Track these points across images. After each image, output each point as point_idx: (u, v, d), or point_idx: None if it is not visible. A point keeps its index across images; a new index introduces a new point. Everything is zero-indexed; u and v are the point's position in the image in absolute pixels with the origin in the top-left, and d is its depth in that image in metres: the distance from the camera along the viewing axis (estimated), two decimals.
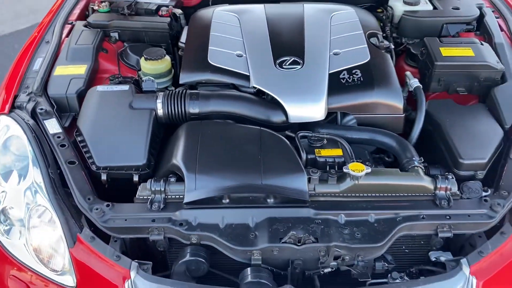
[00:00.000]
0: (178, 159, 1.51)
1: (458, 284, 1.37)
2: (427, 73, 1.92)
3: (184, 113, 1.72)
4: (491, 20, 2.13)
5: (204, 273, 1.46)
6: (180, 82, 1.82)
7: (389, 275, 1.45)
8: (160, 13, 2.21)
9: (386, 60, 1.87)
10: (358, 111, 1.76)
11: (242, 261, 1.42)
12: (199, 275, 1.46)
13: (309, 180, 1.48)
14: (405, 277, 1.45)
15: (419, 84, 1.83)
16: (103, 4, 2.26)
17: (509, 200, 1.49)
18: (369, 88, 1.74)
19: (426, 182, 1.50)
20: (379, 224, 1.44)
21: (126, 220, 1.45)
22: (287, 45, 1.91)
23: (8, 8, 4.96)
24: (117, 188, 1.60)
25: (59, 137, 1.64)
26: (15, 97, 1.77)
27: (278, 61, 1.83)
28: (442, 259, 1.49)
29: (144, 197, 1.50)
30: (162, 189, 1.47)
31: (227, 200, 1.48)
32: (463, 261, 1.40)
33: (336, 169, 1.53)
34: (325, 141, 1.63)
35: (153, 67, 1.90)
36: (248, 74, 1.80)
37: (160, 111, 1.71)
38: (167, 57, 1.94)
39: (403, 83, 1.89)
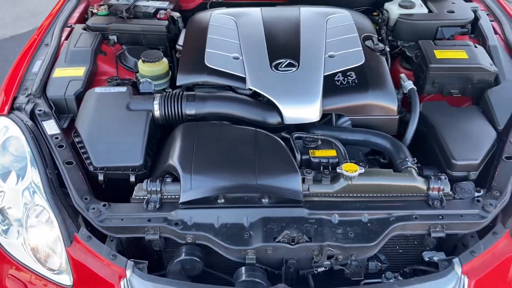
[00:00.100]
0: (174, 160, 1.53)
1: (450, 283, 1.38)
2: (422, 75, 1.94)
3: (180, 115, 1.74)
4: (486, 23, 2.15)
5: (199, 272, 1.48)
6: (177, 84, 1.85)
7: (383, 275, 1.47)
8: (158, 16, 2.23)
9: (380, 63, 1.90)
10: (352, 113, 1.78)
11: (236, 261, 1.44)
12: (194, 274, 1.48)
13: (303, 181, 1.49)
14: (399, 277, 1.46)
15: (413, 86, 1.85)
16: (102, 7, 2.29)
17: (501, 200, 1.50)
18: (363, 90, 1.76)
19: (419, 183, 1.52)
20: (372, 224, 1.46)
21: (122, 219, 1.47)
22: (283, 47, 1.93)
23: (9, 11, 5.00)
24: (114, 188, 1.61)
25: (57, 138, 1.66)
26: (14, 98, 1.79)
27: (274, 63, 1.86)
28: (436, 259, 1.50)
29: (140, 197, 1.51)
30: (158, 189, 1.49)
31: (222, 200, 1.50)
32: (455, 260, 1.41)
33: (330, 169, 1.55)
34: (319, 142, 1.65)
35: (151, 69, 1.92)
36: (244, 76, 1.82)
37: (157, 113, 1.73)
38: (165, 60, 1.97)
39: (398, 85, 1.91)
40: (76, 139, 1.67)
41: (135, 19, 2.23)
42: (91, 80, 1.96)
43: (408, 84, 1.85)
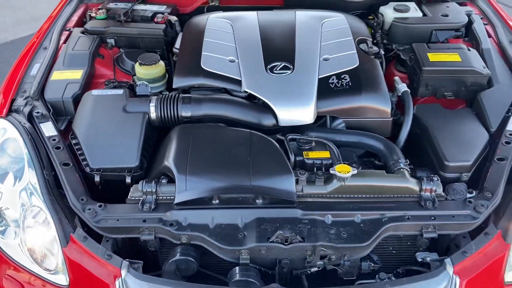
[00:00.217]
0: (169, 161, 1.55)
1: (441, 283, 1.40)
2: (415, 78, 1.96)
3: (176, 117, 1.76)
4: (479, 26, 2.17)
5: (194, 273, 1.49)
6: (174, 86, 1.87)
7: (376, 275, 1.48)
8: (155, 20, 2.26)
9: (374, 66, 1.92)
10: (346, 115, 1.80)
11: (231, 261, 1.45)
12: (189, 274, 1.49)
13: (297, 182, 1.51)
14: (392, 278, 1.48)
15: (407, 89, 1.87)
16: (100, 11, 2.31)
17: (492, 201, 1.51)
18: (357, 93, 1.78)
19: (412, 184, 1.53)
20: (365, 224, 1.47)
21: (118, 220, 1.48)
22: (278, 50, 1.95)
23: (10, 15, 5.04)
24: (110, 189, 1.63)
25: (54, 139, 1.68)
26: (13, 101, 1.81)
27: (269, 66, 1.88)
28: (428, 259, 1.52)
29: (136, 198, 1.53)
30: (154, 190, 1.51)
31: (217, 201, 1.52)
32: (447, 260, 1.43)
33: (324, 170, 1.56)
34: (313, 144, 1.67)
35: (147, 72, 1.94)
36: (239, 78, 1.84)
37: (153, 115, 1.75)
38: (161, 63, 1.99)
39: (393, 88, 1.93)
40: (73, 141, 1.69)
41: (132, 23, 2.26)
42: (89, 82, 1.98)
43: (402, 87, 1.87)
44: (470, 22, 2.22)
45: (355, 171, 1.49)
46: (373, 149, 1.72)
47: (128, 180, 1.60)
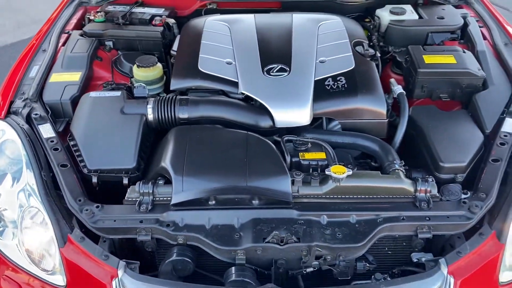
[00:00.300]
0: (166, 162, 1.56)
1: (436, 283, 1.41)
2: (411, 80, 1.98)
3: (173, 118, 1.78)
4: (475, 29, 2.19)
5: (190, 273, 1.50)
6: (171, 88, 1.88)
7: (372, 276, 1.49)
8: (153, 22, 2.28)
9: (370, 68, 1.93)
10: (342, 117, 1.81)
11: (227, 261, 1.46)
12: (185, 275, 1.50)
13: (292, 182, 1.52)
14: (388, 278, 1.49)
15: (402, 91, 1.88)
16: (99, 14, 2.33)
17: (486, 202, 1.52)
18: (353, 95, 1.79)
19: (406, 185, 1.54)
20: (360, 225, 1.48)
21: (115, 221, 1.50)
22: (275, 53, 1.97)
23: (11, 18, 5.06)
24: (108, 190, 1.64)
25: (52, 141, 1.69)
26: (11, 102, 1.83)
27: (265, 68, 1.89)
28: (424, 260, 1.53)
29: (133, 199, 1.54)
30: (150, 191, 1.52)
31: (213, 202, 1.53)
32: (442, 261, 1.44)
33: (319, 171, 1.58)
34: (309, 145, 1.68)
35: (145, 74, 1.96)
36: (236, 80, 1.86)
37: (150, 116, 1.76)
38: (159, 65, 2.01)
39: (389, 90, 1.94)
40: (71, 142, 1.70)
41: (131, 26, 2.27)
42: (87, 85, 1.99)
43: (397, 89, 1.89)
44: (465, 25, 2.24)
45: (350, 172, 1.50)
46: (369, 150, 1.74)
47: (125, 181, 1.61)
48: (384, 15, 2.27)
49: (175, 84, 1.88)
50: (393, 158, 1.64)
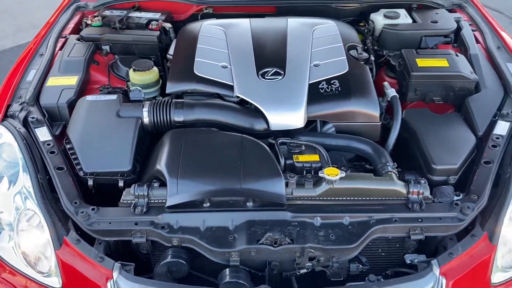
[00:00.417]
0: (161, 165, 1.57)
1: (428, 284, 1.42)
2: (404, 83, 2.00)
3: (169, 121, 1.79)
4: (468, 33, 2.21)
5: (185, 275, 1.51)
6: (167, 91, 1.90)
7: (366, 278, 1.50)
8: (150, 27, 2.29)
9: (364, 71, 1.95)
10: (336, 120, 1.83)
11: (221, 263, 1.47)
12: (180, 277, 1.51)
13: (286, 184, 1.54)
14: (382, 279, 1.50)
15: (396, 94, 1.90)
16: (96, 18, 2.35)
17: (478, 203, 1.54)
18: (346, 98, 1.81)
19: (399, 187, 1.56)
20: (353, 226, 1.50)
21: (110, 223, 1.51)
22: (269, 57, 1.98)
23: (10, 23, 5.09)
24: (103, 193, 1.66)
25: (49, 144, 1.71)
26: (8, 106, 1.84)
27: (260, 72, 1.91)
28: (416, 261, 1.54)
29: (128, 202, 1.56)
30: (145, 193, 1.53)
31: (208, 204, 1.54)
32: (434, 262, 1.46)
33: (313, 173, 1.59)
34: (303, 148, 1.69)
35: (141, 77, 1.98)
36: (232, 84, 1.87)
37: (146, 119, 1.78)
38: (155, 69, 2.02)
39: (383, 93, 1.96)
40: (68, 146, 1.72)
41: (127, 30, 2.29)
42: (84, 88, 2.01)
43: (391, 92, 1.91)
44: (459, 29, 2.26)
45: (343, 174, 1.52)
46: (362, 152, 1.75)
47: (121, 184, 1.63)
48: (378, 19, 2.29)
49: (170, 88, 1.90)
50: (386, 160, 1.66)
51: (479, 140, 1.76)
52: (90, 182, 1.63)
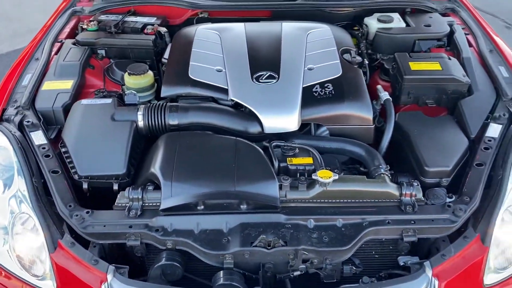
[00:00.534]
0: (155, 168, 1.58)
1: (420, 286, 1.44)
2: (397, 86, 2.01)
3: (164, 125, 1.80)
4: (460, 36, 2.23)
5: (179, 277, 1.52)
6: (162, 95, 1.91)
7: (360, 280, 1.51)
8: (145, 31, 2.31)
9: (357, 75, 1.96)
10: (330, 123, 1.84)
11: (215, 265, 1.48)
12: (174, 279, 1.52)
13: (280, 187, 1.55)
14: (375, 281, 1.51)
15: (389, 97, 1.91)
16: (92, 23, 2.36)
17: (470, 205, 1.55)
18: (340, 101, 1.83)
19: (392, 189, 1.57)
20: (346, 228, 1.51)
21: (104, 226, 1.52)
22: (264, 60, 2.00)
23: (6, 27, 5.10)
24: (98, 196, 1.66)
25: (44, 148, 1.71)
26: (4, 110, 1.85)
27: (255, 76, 1.92)
28: (410, 263, 1.55)
29: (123, 205, 1.56)
30: (140, 196, 1.54)
31: (202, 207, 1.55)
32: (426, 263, 1.47)
33: (306, 176, 1.60)
34: (297, 150, 1.71)
35: (136, 81, 1.99)
36: (226, 87, 1.89)
37: (140, 123, 1.79)
38: (150, 72, 2.04)
39: (377, 96, 1.98)
40: (63, 149, 1.72)
41: (123, 34, 2.31)
42: (79, 92, 2.02)
43: (384, 95, 1.92)
44: (452, 32, 2.28)
45: (336, 177, 1.53)
46: (355, 155, 1.76)
47: (115, 187, 1.63)
48: (372, 23, 2.31)
49: (165, 91, 1.91)
50: (379, 163, 1.67)
51: (472, 143, 1.77)
52: (85, 186, 1.64)
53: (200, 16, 2.52)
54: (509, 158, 1.63)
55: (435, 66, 1.99)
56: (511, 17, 5.09)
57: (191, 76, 1.92)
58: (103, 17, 2.43)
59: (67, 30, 2.42)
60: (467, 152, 1.74)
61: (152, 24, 2.35)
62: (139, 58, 2.23)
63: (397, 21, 2.31)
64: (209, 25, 2.28)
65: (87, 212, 1.54)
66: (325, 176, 1.53)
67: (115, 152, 1.68)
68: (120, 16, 2.41)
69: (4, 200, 1.61)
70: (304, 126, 1.86)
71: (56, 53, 2.22)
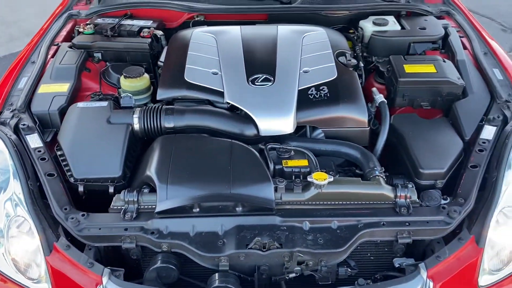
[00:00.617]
0: (151, 171, 1.59)
1: (415, 287, 1.44)
2: (392, 89, 2.02)
3: (159, 128, 1.80)
4: (455, 39, 2.24)
5: (175, 280, 1.52)
6: (157, 98, 1.92)
7: (356, 282, 1.51)
8: (142, 34, 2.32)
9: (352, 77, 1.97)
10: (325, 125, 1.85)
11: (211, 268, 1.48)
12: (169, 282, 1.52)
13: (275, 189, 1.55)
14: (370, 283, 1.51)
15: (384, 100, 1.92)
16: (88, 26, 2.37)
17: (465, 207, 1.56)
18: (335, 103, 1.83)
19: (386, 191, 1.58)
20: (341, 230, 1.51)
21: (100, 229, 1.52)
22: (259, 63, 2.00)
23: (3, 31, 5.10)
24: (94, 199, 1.66)
25: (39, 151, 1.72)
26: None
27: (250, 78, 1.93)
28: (405, 265, 1.56)
29: (118, 207, 1.56)
30: (135, 199, 1.54)
31: (198, 209, 1.55)
32: (421, 265, 1.47)
33: (302, 178, 1.61)
34: (292, 153, 1.71)
35: (132, 84, 1.99)
36: (222, 90, 1.89)
37: (136, 126, 1.79)
38: (146, 75, 2.04)
39: (372, 99, 1.99)
40: (58, 152, 1.73)
41: (119, 37, 2.31)
42: (75, 95, 2.03)
43: (379, 98, 1.93)
44: (446, 35, 2.29)
45: (331, 179, 1.53)
46: (350, 157, 1.77)
47: (111, 190, 1.64)
48: (367, 26, 2.32)
49: (161, 94, 1.91)
50: (374, 165, 1.68)
51: (466, 145, 1.78)
52: (81, 188, 1.64)
53: (196, 19, 2.53)
54: (503, 160, 1.64)
55: (429, 68, 2.00)
56: (507, 20, 5.12)
57: (187, 79, 1.93)
58: (99, 20, 2.44)
59: (63, 33, 2.43)
60: (462, 154, 1.75)
61: (149, 27, 2.36)
62: (135, 61, 2.24)
63: (392, 24, 2.33)
64: (205, 28, 2.29)
65: (83, 215, 1.54)
66: (320, 178, 1.53)
67: (110, 155, 1.68)
68: (117, 20, 2.41)
69: None
70: (300, 129, 1.87)
71: (52, 56, 2.22)
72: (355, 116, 1.83)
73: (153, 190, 1.58)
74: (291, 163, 1.67)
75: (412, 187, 1.60)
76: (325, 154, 1.78)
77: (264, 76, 1.93)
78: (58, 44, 2.32)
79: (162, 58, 2.16)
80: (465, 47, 2.23)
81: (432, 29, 2.31)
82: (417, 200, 1.59)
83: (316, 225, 1.52)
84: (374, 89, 2.00)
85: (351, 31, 2.47)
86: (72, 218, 1.52)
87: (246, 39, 2.15)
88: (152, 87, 2.08)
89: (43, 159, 1.69)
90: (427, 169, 1.67)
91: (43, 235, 1.51)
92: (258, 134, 1.80)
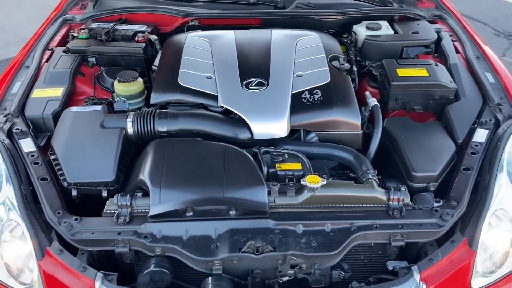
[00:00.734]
0: (144, 175, 1.59)
1: None
2: (385, 92, 2.04)
3: (153, 132, 1.80)
4: (448, 43, 2.26)
5: (168, 284, 1.51)
6: (151, 102, 1.92)
7: (349, 285, 1.52)
8: (136, 39, 2.32)
9: (345, 81, 1.98)
10: (319, 129, 1.85)
11: (204, 271, 1.48)
12: (163, 286, 1.51)
13: (269, 193, 1.55)
14: (364, 286, 1.51)
15: (377, 103, 1.93)
16: (83, 31, 2.37)
17: (458, 210, 1.57)
18: (328, 107, 1.84)
19: (379, 194, 1.58)
20: (335, 233, 1.51)
21: (93, 233, 1.51)
22: (253, 67, 2.01)
23: (0, 37, 5.10)
24: (88, 203, 1.66)
25: (33, 155, 1.71)
26: None
27: (244, 82, 1.93)
28: (398, 267, 1.56)
29: (111, 211, 1.56)
30: (128, 203, 1.54)
31: (191, 213, 1.55)
32: (414, 268, 1.48)
33: (295, 181, 1.61)
34: (286, 156, 1.72)
35: (126, 88, 1.99)
36: (216, 94, 1.90)
37: (130, 130, 1.79)
38: (140, 80, 2.04)
39: (366, 102, 2.00)
40: (52, 156, 1.72)
41: (113, 42, 2.32)
42: (69, 100, 2.02)
43: (372, 101, 1.94)
44: (439, 39, 2.31)
45: (325, 182, 1.54)
46: (344, 160, 1.78)
47: (104, 194, 1.63)
48: (361, 30, 2.33)
49: (155, 98, 1.91)
50: (367, 168, 1.68)
51: (459, 148, 1.79)
52: (74, 192, 1.64)
53: (190, 24, 2.54)
54: (495, 162, 1.65)
55: (422, 72, 2.02)
56: (500, 24, 5.16)
57: (180, 83, 1.93)
58: (94, 25, 2.44)
59: (58, 38, 2.43)
60: (454, 157, 1.76)
61: (143, 32, 2.36)
62: (130, 65, 2.24)
63: (385, 29, 2.34)
64: (199, 33, 2.30)
65: (76, 219, 1.54)
66: (313, 181, 1.54)
67: (104, 159, 1.68)
68: (111, 24, 2.42)
69: None
70: (294, 132, 1.88)
71: (46, 61, 2.22)
72: (348, 119, 1.84)
73: (146, 194, 1.57)
74: (284, 166, 1.68)
75: (405, 190, 1.61)
76: (318, 157, 1.79)
77: (258, 80, 1.94)
78: (52, 48, 2.33)
79: (156, 62, 2.17)
80: (457, 51, 2.25)
81: (425, 33, 2.33)
82: (410, 203, 1.59)
83: (309, 228, 1.53)
84: (367, 93, 2.01)
85: (344, 35, 2.48)
86: (65, 222, 1.52)
87: (240, 43, 2.16)
88: (146, 91, 2.08)
89: (36, 163, 1.69)
90: (420, 172, 1.68)
91: (36, 240, 1.51)
92: (252, 137, 1.80)
